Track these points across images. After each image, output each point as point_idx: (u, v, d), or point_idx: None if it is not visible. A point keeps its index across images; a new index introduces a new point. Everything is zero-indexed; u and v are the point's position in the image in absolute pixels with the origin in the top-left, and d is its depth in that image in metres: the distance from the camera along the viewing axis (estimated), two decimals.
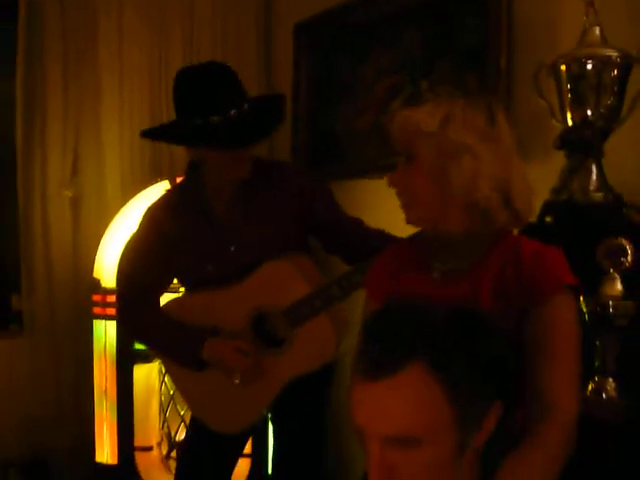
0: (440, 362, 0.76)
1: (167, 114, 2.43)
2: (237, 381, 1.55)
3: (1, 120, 2.55)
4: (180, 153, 2.47)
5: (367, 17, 2.45)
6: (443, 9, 2.15)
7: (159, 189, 2.18)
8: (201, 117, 1.49)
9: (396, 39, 2.35)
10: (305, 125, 2.61)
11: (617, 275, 1.24)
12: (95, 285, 2.21)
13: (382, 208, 2.18)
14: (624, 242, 1.22)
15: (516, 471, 0.80)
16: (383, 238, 1.57)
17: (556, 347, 0.98)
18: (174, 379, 1.76)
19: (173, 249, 1.61)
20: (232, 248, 1.60)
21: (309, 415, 1.64)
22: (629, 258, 1.22)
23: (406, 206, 1.06)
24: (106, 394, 2.20)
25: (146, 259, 1.65)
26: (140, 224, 1.67)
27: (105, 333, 2.19)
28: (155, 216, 1.65)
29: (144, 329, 1.69)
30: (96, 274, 2.22)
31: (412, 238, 1.18)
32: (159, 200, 1.71)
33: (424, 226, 1.12)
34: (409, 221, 1.09)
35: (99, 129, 2.46)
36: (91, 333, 2.24)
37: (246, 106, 1.53)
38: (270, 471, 1.97)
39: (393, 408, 0.76)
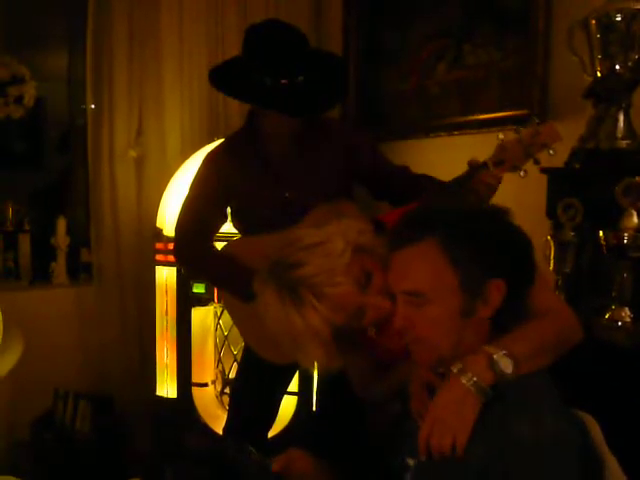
0: (448, 240, 0.92)
1: None
2: None
3: (74, 89, 2.78)
4: (234, 115, 2.66)
5: None
6: None
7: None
8: (271, 78, 1.51)
9: (439, 4, 2.44)
10: (353, 88, 2.72)
11: (634, 211, 1.33)
12: (158, 234, 2.41)
13: (425, 167, 2.34)
14: None
15: (522, 331, 0.93)
16: (429, 181, 1.67)
17: None
18: (230, 310, 1.89)
19: (230, 191, 1.71)
20: (286, 194, 1.68)
21: None
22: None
23: None
24: (167, 334, 2.42)
25: (203, 199, 1.74)
26: (199, 168, 1.77)
27: (166, 278, 2.40)
28: (213, 160, 1.75)
29: (199, 262, 1.78)
30: (159, 224, 2.42)
31: None
32: (218, 145, 1.82)
33: None
34: None
35: (161, 95, 2.64)
36: (153, 279, 2.45)
37: (315, 74, 1.55)
38: (315, 408, 2.13)
39: (409, 269, 0.95)
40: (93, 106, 2.67)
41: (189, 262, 1.88)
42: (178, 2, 2.63)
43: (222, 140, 1.88)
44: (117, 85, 2.62)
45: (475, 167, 1.39)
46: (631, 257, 1.33)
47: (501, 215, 0.97)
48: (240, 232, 1.87)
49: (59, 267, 2.78)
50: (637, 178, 1.33)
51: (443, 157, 2.38)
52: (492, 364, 0.89)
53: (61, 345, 2.65)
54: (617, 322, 1.37)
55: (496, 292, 0.92)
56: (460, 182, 1.43)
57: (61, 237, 2.77)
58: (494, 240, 0.93)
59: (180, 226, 1.82)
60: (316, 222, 1.67)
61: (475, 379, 0.89)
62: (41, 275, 2.79)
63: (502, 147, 1.38)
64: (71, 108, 3.05)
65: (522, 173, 1.37)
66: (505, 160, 1.37)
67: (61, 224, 2.77)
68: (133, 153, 2.69)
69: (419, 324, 0.95)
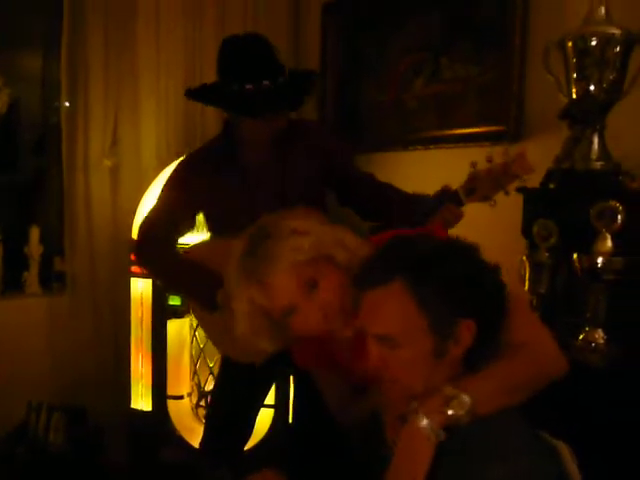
0: (416, 282, 0.91)
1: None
2: None
3: (48, 96, 2.74)
4: (211, 125, 2.65)
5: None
6: None
7: None
8: (237, 83, 1.59)
9: (418, 18, 2.46)
10: (332, 101, 2.74)
11: (608, 235, 1.36)
12: (133, 245, 2.38)
13: (401, 180, 2.35)
14: (616, 205, 1.34)
15: (488, 370, 0.93)
16: (394, 192, 1.70)
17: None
18: (200, 319, 1.86)
19: (205, 198, 1.71)
20: (262, 199, 1.66)
21: None
22: (619, 219, 1.34)
23: None
24: (142, 347, 2.40)
25: (175, 203, 1.73)
26: (174, 171, 1.78)
27: (142, 290, 2.38)
28: (189, 165, 1.77)
29: (162, 263, 1.76)
30: (134, 235, 2.39)
31: None
32: (195, 152, 1.83)
33: None
34: None
35: (136, 104, 2.62)
36: (129, 290, 2.42)
37: (280, 79, 1.61)
38: (291, 420, 2.13)
39: (378, 312, 0.94)
40: (67, 104, 2.63)
41: (151, 262, 1.84)
42: (155, 12, 2.61)
43: (195, 150, 1.88)
44: (92, 93, 2.59)
45: (446, 194, 1.40)
46: (605, 280, 1.36)
47: (470, 253, 0.96)
48: (210, 233, 1.86)
49: (31, 276, 2.73)
50: (611, 201, 1.36)
51: (419, 171, 2.40)
52: (447, 405, 0.88)
53: (33, 356, 2.61)
54: (591, 343, 1.39)
55: (466, 332, 0.92)
56: (427, 212, 1.44)
57: (34, 246, 2.72)
58: (462, 280, 0.92)
59: (147, 225, 1.79)
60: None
61: (426, 421, 0.87)
62: (13, 285, 2.73)
63: (473, 176, 1.40)
64: (45, 109, 2.99)
65: (492, 203, 1.39)
66: (476, 189, 1.39)
67: (34, 233, 2.71)
68: (108, 162, 2.66)
69: (392, 365, 0.94)
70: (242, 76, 1.59)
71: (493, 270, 0.97)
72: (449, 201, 1.43)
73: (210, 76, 2.68)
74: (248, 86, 1.58)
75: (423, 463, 0.87)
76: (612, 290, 1.37)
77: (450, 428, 0.88)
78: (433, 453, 0.87)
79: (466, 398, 0.88)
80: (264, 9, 2.86)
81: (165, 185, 1.78)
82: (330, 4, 2.83)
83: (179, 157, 2.36)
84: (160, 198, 1.77)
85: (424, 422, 0.88)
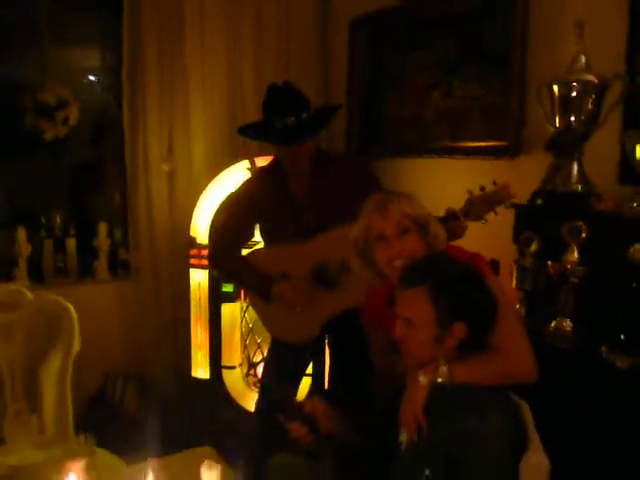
0: (434, 291, 1.35)
1: (241, 111, 3.02)
2: (298, 309, 2.13)
3: (112, 113, 3.16)
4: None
5: (411, 20, 2.91)
6: (474, 22, 2.59)
7: (240, 167, 2.79)
8: (269, 121, 2.07)
9: (434, 41, 2.81)
10: (358, 112, 3.11)
11: (575, 247, 1.75)
12: (192, 242, 2.83)
13: (418, 183, 2.76)
14: (580, 224, 1.73)
15: (470, 359, 1.36)
16: None
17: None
18: (256, 308, 2.33)
19: (260, 215, 2.20)
20: (304, 218, 2.15)
21: (356, 339, 2.21)
22: (583, 235, 1.73)
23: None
24: (200, 325, 2.86)
25: (238, 218, 2.23)
26: (237, 191, 2.27)
27: (200, 279, 2.83)
28: (250, 188, 2.24)
29: (229, 269, 2.30)
30: (192, 233, 2.83)
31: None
32: (254, 177, 2.32)
33: None
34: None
35: (188, 120, 3.04)
36: (188, 279, 2.87)
37: (304, 115, 2.06)
38: (327, 386, 2.58)
39: (408, 305, 1.39)
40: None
41: (221, 267, 2.37)
42: (200, 45, 3.01)
43: (252, 175, 2.33)
44: (149, 110, 3.00)
45: (450, 215, 1.80)
46: (572, 282, 1.76)
47: (477, 278, 1.40)
48: (265, 242, 2.33)
49: (101, 265, 3.19)
50: (577, 221, 1.74)
51: (434, 176, 2.79)
52: (436, 372, 1.34)
53: (106, 333, 3.07)
54: (560, 330, 1.80)
55: (459, 330, 1.35)
56: None
57: (102, 239, 3.18)
58: (465, 297, 1.35)
59: (217, 237, 2.34)
60: (327, 241, 2.12)
61: (423, 378, 1.34)
62: (86, 272, 3.20)
63: (470, 201, 1.79)
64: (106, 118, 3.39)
65: (484, 221, 1.78)
66: (471, 212, 1.78)
67: (102, 228, 3.17)
68: (165, 167, 3.08)
69: (408, 340, 1.40)
70: (274, 116, 2.06)
71: (491, 294, 1.39)
72: (452, 219, 1.83)
73: (248, 89, 3.14)
74: (277, 123, 2.05)
75: (420, 400, 1.33)
76: (577, 290, 1.77)
77: (441, 386, 1.33)
78: (426, 396, 1.33)
79: (446, 371, 1.34)
80: (296, 28, 3.24)
81: (231, 203, 2.25)
82: (356, 21, 3.17)
83: (228, 167, 2.81)
84: (226, 214, 2.24)
85: (422, 378, 1.35)
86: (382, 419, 1.50)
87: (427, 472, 1.31)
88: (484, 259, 1.62)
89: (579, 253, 1.76)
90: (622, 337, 1.65)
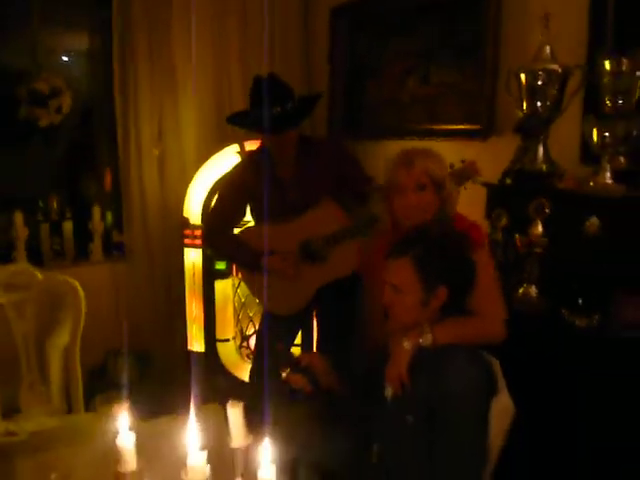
0: (419, 260, 1.55)
1: (228, 97, 3.16)
2: (288, 276, 2.29)
3: (103, 99, 3.27)
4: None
5: (389, 8, 3.07)
6: (450, 13, 2.76)
7: (229, 151, 2.94)
8: (256, 112, 2.21)
9: (412, 29, 2.97)
10: (340, 97, 3.28)
11: (539, 222, 1.96)
12: (185, 223, 2.98)
13: None
14: (545, 201, 1.94)
15: (450, 321, 1.57)
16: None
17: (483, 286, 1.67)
18: (248, 283, 2.51)
19: (251, 197, 2.37)
20: (290, 198, 2.33)
21: (343, 308, 2.40)
22: (547, 211, 1.94)
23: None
24: (195, 300, 3.03)
25: (230, 201, 2.41)
26: (229, 177, 2.44)
27: (193, 258, 2.99)
28: (240, 173, 2.41)
29: (223, 248, 2.49)
30: (185, 214, 2.98)
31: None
32: (244, 162, 2.50)
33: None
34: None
35: (177, 106, 3.18)
36: (182, 258, 3.03)
37: (289, 105, 2.21)
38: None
39: (395, 272, 1.58)
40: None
41: (215, 246, 2.58)
42: (187, 32, 3.12)
43: (243, 159, 2.54)
44: (140, 98, 3.13)
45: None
46: (536, 252, 1.97)
47: (460, 247, 1.60)
48: (255, 221, 2.50)
49: (96, 247, 3.32)
50: (542, 198, 1.95)
51: None
52: (420, 337, 1.54)
53: (102, 312, 3.20)
54: (527, 296, 2.01)
55: (442, 293, 1.55)
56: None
57: (97, 222, 3.31)
58: (445, 263, 1.55)
59: (211, 219, 2.52)
60: (312, 219, 2.30)
61: (407, 343, 1.54)
62: (81, 254, 3.33)
63: None
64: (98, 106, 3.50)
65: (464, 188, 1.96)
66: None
67: (96, 211, 3.31)
68: (156, 151, 3.21)
69: (395, 305, 1.59)
70: (260, 107, 2.19)
71: (469, 260, 1.58)
72: None
73: (235, 76, 3.26)
74: (263, 112, 2.19)
75: (404, 362, 1.53)
76: (541, 260, 1.98)
77: (424, 348, 1.53)
78: (410, 359, 1.52)
79: (430, 337, 1.54)
80: (280, 11, 3.35)
81: (223, 186, 2.42)
82: (337, 9, 3.31)
83: (217, 152, 2.96)
84: (219, 198, 2.42)
85: (406, 343, 1.54)
86: (367, 375, 1.70)
87: (410, 419, 1.51)
88: (480, 228, 1.84)
89: (543, 227, 1.96)
90: (580, 301, 1.87)
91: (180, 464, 0.94)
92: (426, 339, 1.54)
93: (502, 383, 1.56)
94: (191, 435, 0.94)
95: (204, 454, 0.93)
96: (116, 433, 1.01)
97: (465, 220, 1.84)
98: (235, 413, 1.06)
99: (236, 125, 2.59)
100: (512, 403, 1.53)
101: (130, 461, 0.97)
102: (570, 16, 2.25)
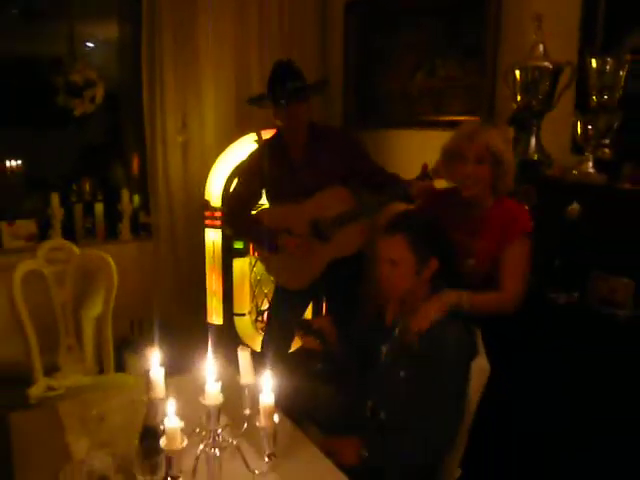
0: (411, 237, 1.74)
1: (248, 90, 3.36)
2: (300, 255, 2.49)
3: (131, 87, 3.52)
4: (258, 114, 3.40)
5: (401, 6, 3.25)
6: (455, 13, 2.94)
7: (247, 139, 3.16)
8: (272, 88, 2.45)
9: (419, 25, 3.15)
10: (352, 88, 3.48)
11: (527, 207, 2.15)
12: (206, 205, 3.22)
13: (406, 152, 3.15)
14: (530, 187, 2.13)
15: (480, 293, 1.81)
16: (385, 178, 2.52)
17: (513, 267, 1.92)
18: (264, 261, 2.75)
19: (266, 181, 2.58)
20: (301, 179, 2.54)
21: (348, 283, 2.63)
22: (533, 197, 2.13)
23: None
24: (214, 277, 3.27)
25: (247, 185, 2.63)
26: (247, 162, 2.65)
27: (213, 238, 3.23)
28: (257, 158, 2.62)
29: (241, 228, 2.72)
30: (206, 197, 3.22)
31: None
32: (261, 148, 2.69)
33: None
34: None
35: (200, 97, 3.41)
36: (203, 237, 3.27)
37: (299, 83, 2.44)
38: None
39: (390, 248, 1.77)
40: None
41: (234, 226, 2.81)
42: (210, 26, 3.33)
43: (259, 145, 2.76)
44: (166, 88, 3.35)
45: (423, 173, 2.21)
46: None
47: (440, 228, 1.81)
48: (270, 203, 2.72)
49: (124, 227, 3.59)
50: (528, 185, 2.14)
51: (420, 146, 3.16)
52: (459, 299, 1.77)
53: (130, 286, 3.44)
54: None
55: (433, 264, 1.76)
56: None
57: (125, 204, 3.57)
58: (434, 241, 1.77)
59: (230, 202, 2.74)
60: (321, 200, 2.51)
61: (447, 297, 1.76)
62: (111, 234, 3.60)
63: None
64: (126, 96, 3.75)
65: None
66: (439, 172, 2.17)
67: (125, 194, 3.56)
68: (180, 139, 3.44)
69: (392, 277, 1.79)
70: (277, 82, 2.45)
71: (449, 240, 1.79)
72: (425, 177, 2.26)
73: (254, 70, 3.47)
74: (277, 88, 2.43)
75: (436, 312, 1.73)
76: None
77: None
78: (442, 312, 1.74)
79: (468, 300, 1.79)
80: (298, 5, 3.55)
81: (242, 172, 2.64)
82: (350, 3, 3.50)
83: (237, 139, 3.18)
84: (238, 182, 2.63)
85: (446, 299, 1.77)
86: (367, 336, 1.92)
87: (402, 374, 1.73)
88: (527, 215, 1.99)
89: (530, 211, 2.15)
90: (560, 279, 2.06)
91: (199, 391, 1.17)
92: (466, 301, 1.78)
93: (481, 348, 1.76)
94: (209, 368, 1.17)
95: (219, 384, 1.16)
96: (148, 370, 1.24)
97: (513, 211, 1.99)
98: (244, 356, 1.28)
99: (255, 104, 2.73)
100: (488, 365, 1.74)
101: (160, 390, 1.20)
102: (562, 17, 2.42)
